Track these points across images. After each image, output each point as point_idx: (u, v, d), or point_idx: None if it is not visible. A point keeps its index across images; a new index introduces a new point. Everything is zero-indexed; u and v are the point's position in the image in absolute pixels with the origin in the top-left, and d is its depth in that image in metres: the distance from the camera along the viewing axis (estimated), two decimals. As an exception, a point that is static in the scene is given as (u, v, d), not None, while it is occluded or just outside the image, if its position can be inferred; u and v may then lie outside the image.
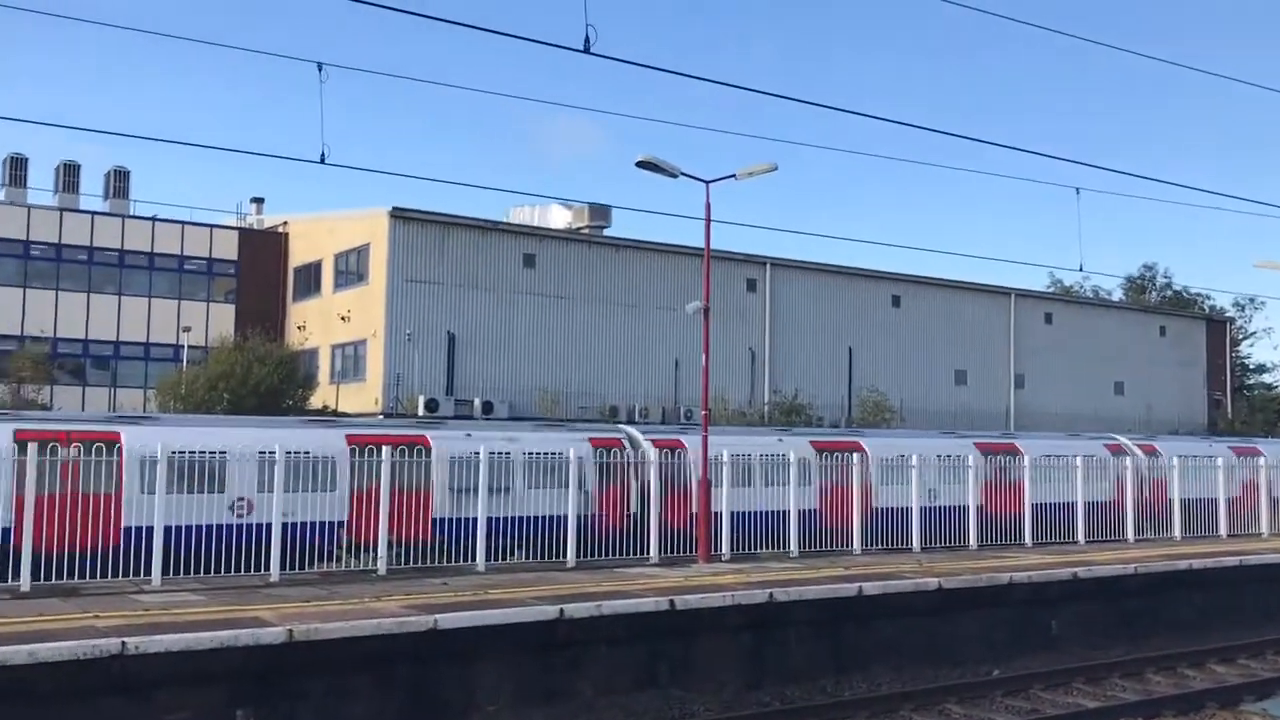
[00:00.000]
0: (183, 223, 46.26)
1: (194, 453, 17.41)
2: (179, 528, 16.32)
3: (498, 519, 18.63)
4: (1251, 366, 67.09)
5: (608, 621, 13.96)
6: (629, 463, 21.36)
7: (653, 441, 22.43)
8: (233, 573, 16.38)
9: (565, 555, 18.76)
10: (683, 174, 20.16)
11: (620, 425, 26.45)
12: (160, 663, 11.05)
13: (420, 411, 34.79)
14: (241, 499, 17.59)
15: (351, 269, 41.39)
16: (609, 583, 16.28)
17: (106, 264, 44.17)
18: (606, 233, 45.12)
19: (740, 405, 40.45)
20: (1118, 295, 67.29)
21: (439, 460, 19.41)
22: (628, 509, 20.78)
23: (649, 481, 20.62)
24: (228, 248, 46.40)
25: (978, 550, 22.21)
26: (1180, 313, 61.32)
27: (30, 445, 15.67)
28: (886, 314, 47.31)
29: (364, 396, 38.16)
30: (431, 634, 12.71)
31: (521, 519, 19.36)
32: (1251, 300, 66.70)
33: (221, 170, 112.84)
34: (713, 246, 21.49)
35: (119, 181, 49.24)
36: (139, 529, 16.04)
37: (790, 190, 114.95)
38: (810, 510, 21.61)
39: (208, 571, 16.43)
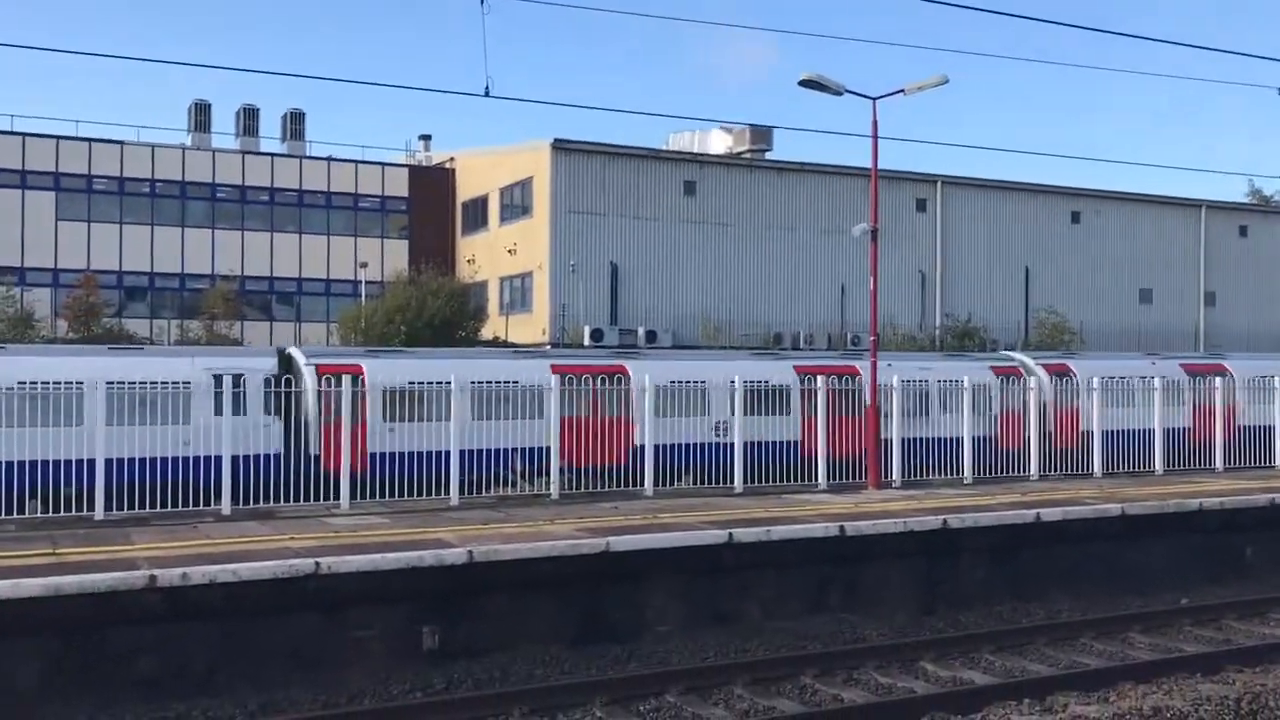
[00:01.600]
0: (356, 162, 47.90)
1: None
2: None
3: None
4: None
5: (776, 546, 13.99)
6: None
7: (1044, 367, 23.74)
8: (413, 497, 17.07)
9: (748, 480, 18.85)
10: (848, 91, 19.58)
11: (1011, 354, 26.89)
12: (350, 582, 11.65)
13: (586, 341, 35.35)
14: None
15: (516, 202, 42.10)
16: (778, 508, 16.29)
17: (287, 204, 46.23)
18: (768, 156, 44.46)
19: (910, 329, 39.59)
20: (1323, 203, 62.57)
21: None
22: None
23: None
24: (399, 185, 47.85)
25: (1164, 475, 21.25)
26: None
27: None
28: (1066, 231, 45.28)
29: (532, 327, 39.01)
30: (604, 556, 12.99)
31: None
32: None
33: (391, 109, 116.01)
34: (880, 166, 20.88)
35: (295, 124, 51.21)
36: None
37: (963, 104, 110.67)
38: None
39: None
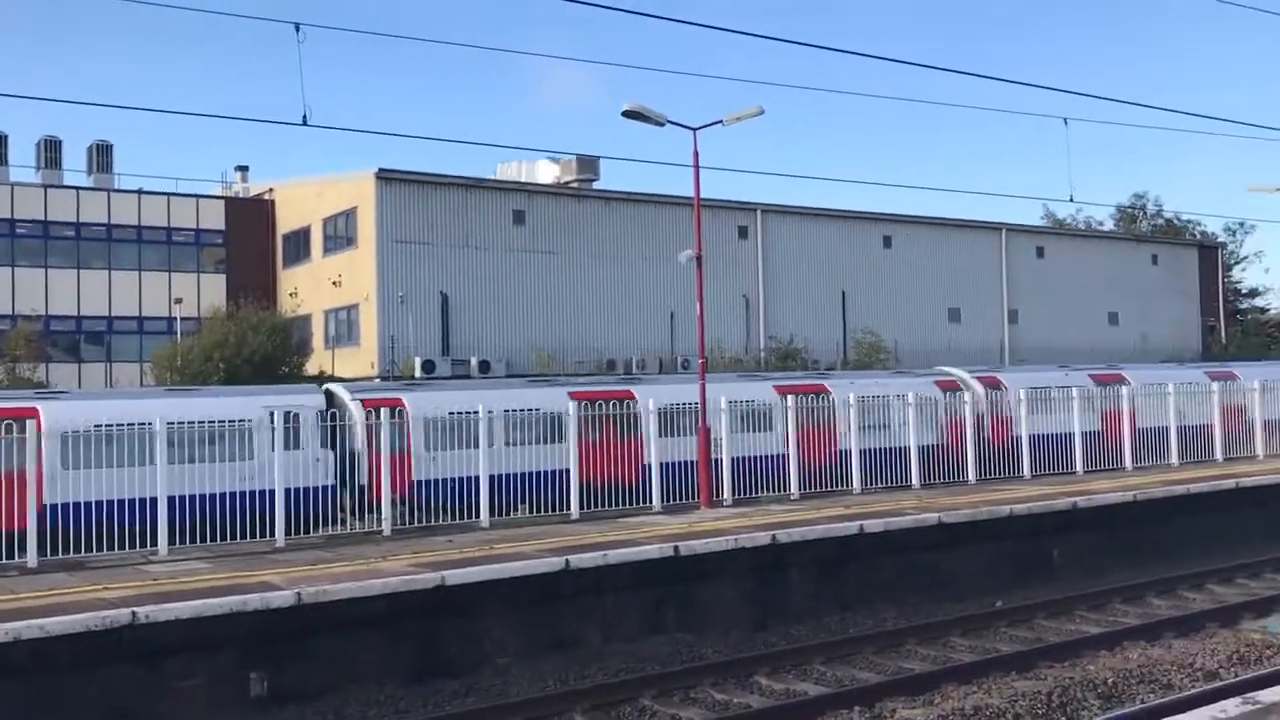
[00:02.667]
0: (168, 194, 46.00)
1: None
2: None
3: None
4: (1244, 291, 67.11)
5: (613, 570, 14.09)
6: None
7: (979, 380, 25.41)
8: (235, 540, 16.47)
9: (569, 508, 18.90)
10: (669, 122, 20.02)
11: (949, 369, 27.97)
12: (171, 630, 11.15)
13: (417, 374, 34.82)
14: None
15: (340, 233, 41.22)
16: (613, 532, 16.40)
17: (94, 239, 43.98)
18: (596, 185, 44.90)
19: (736, 352, 40.50)
20: (1109, 225, 67.17)
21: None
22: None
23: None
24: (215, 217, 46.18)
25: (977, 485, 22.36)
26: (1172, 240, 61.25)
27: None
28: (878, 255, 47.22)
29: (359, 360, 38.18)
30: (439, 590, 12.83)
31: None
32: (1242, 224, 66.63)
33: (204, 140, 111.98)
34: (703, 195, 21.40)
35: (102, 156, 48.86)
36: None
37: (780, 135, 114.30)
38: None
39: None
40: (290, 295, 43.09)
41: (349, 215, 40.20)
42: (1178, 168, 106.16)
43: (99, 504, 16.10)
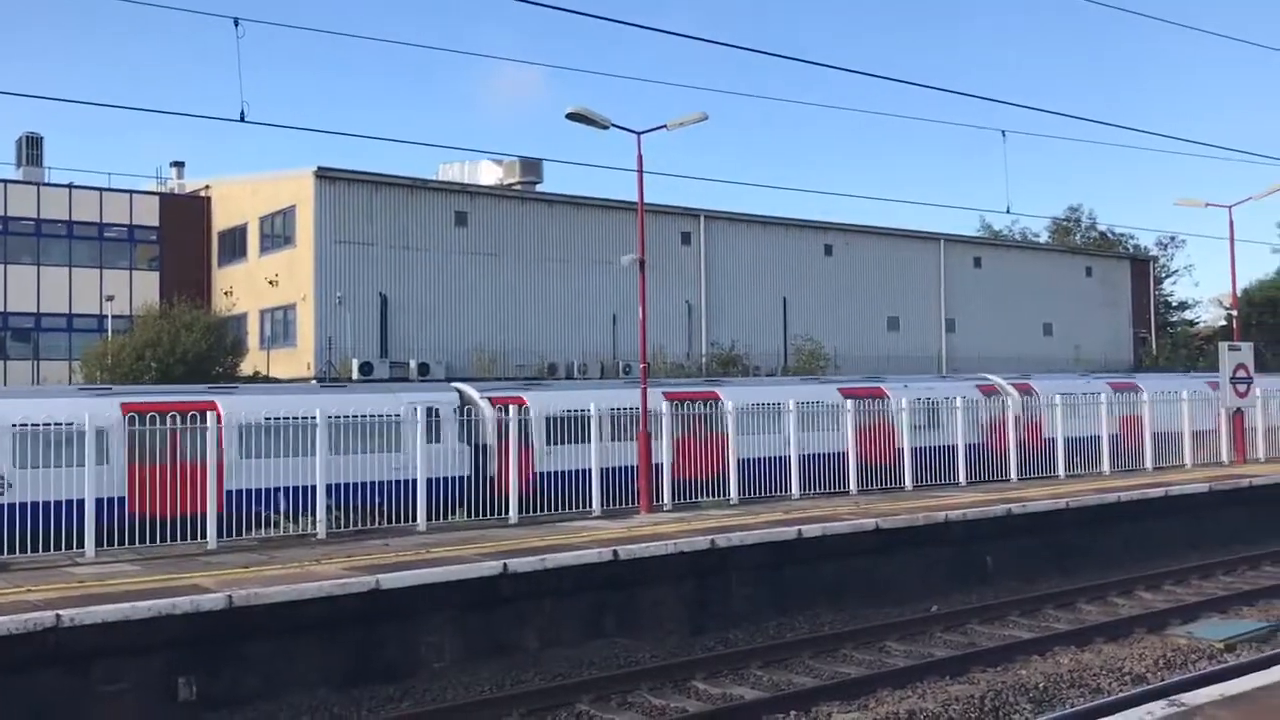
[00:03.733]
0: (101, 189, 45.04)
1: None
2: None
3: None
4: (1174, 304, 68.72)
5: (552, 574, 14.01)
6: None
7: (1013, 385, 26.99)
8: (168, 542, 16.14)
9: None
10: (613, 125, 20.02)
11: (987, 375, 30.21)
12: (97, 634, 10.87)
13: (355, 375, 34.42)
14: None
15: (278, 232, 40.64)
16: (552, 536, 16.32)
17: (22, 233, 42.91)
18: (539, 188, 44.78)
19: (678, 358, 40.60)
20: (1045, 238, 68.43)
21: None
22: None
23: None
24: (149, 214, 45.30)
25: (913, 491, 22.60)
26: (1105, 253, 62.58)
27: None
28: (820, 263, 47.64)
29: (295, 361, 37.66)
30: (374, 594, 12.66)
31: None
32: (1173, 239, 68.30)
33: (139, 135, 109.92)
34: (647, 200, 21.40)
35: (32, 148, 47.74)
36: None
37: (724, 142, 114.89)
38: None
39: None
40: (225, 294, 42.40)
41: (287, 214, 39.66)
42: (1112, 181, 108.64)
43: (268, 491, 17.57)
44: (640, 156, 20.52)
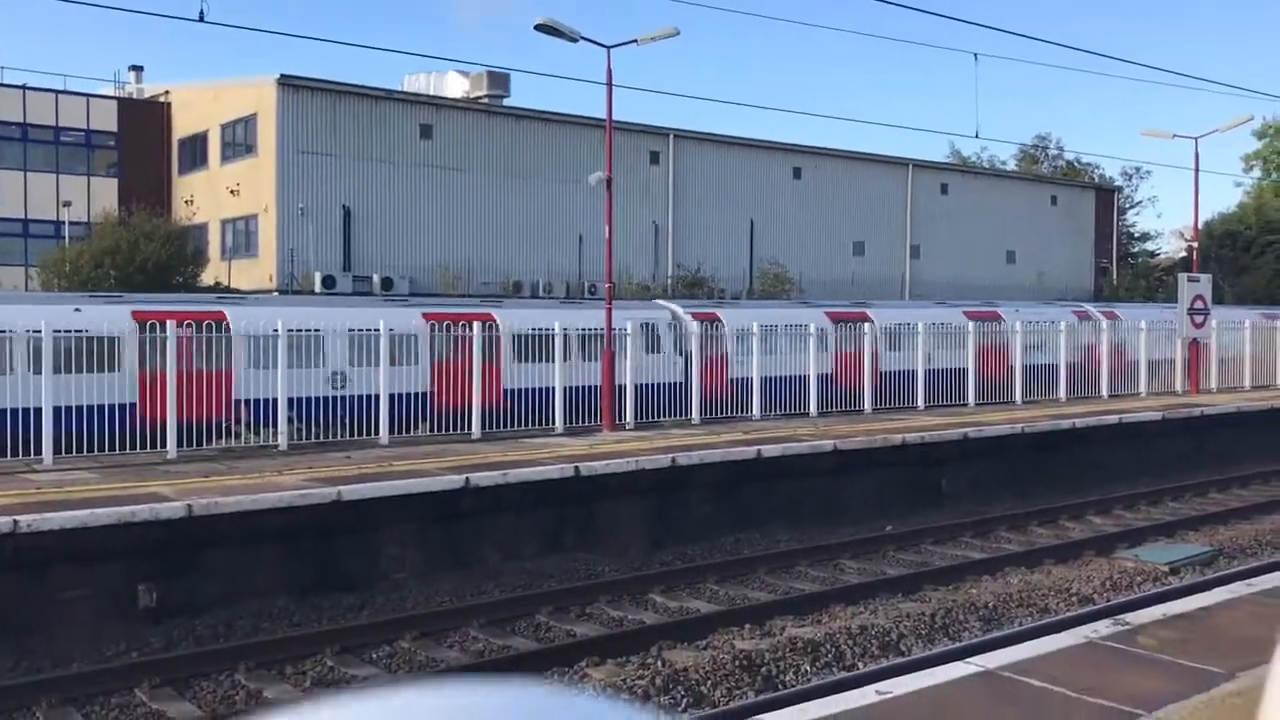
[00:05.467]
0: (56, 92, 43.84)
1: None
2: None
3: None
4: (1137, 235, 69.25)
5: (513, 489, 14.11)
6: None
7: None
8: (126, 451, 16.05)
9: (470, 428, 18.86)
10: (583, 38, 19.68)
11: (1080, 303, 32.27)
12: (55, 540, 10.86)
13: (317, 289, 34.10)
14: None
15: (239, 140, 39.83)
16: (515, 452, 16.40)
17: (-25, 136, 41.79)
18: (506, 102, 44.08)
19: (644, 279, 40.49)
20: (1012, 165, 68.46)
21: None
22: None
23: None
24: (107, 119, 44.19)
25: (873, 414, 22.86)
26: (1071, 182, 62.74)
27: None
28: (788, 186, 47.44)
29: (258, 273, 37.21)
30: (335, 505, 12.70)
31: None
32: (1138, 170, 68.53)
33: (95, 35, 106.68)
34: (616, 118, 21.13)
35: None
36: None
37: (694, 60, 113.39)
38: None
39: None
40: (186, 203, 41.66)
41: (249, 122, 38.84)
42: (1081, 109, 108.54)
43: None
44: (610, 71, 20.22)
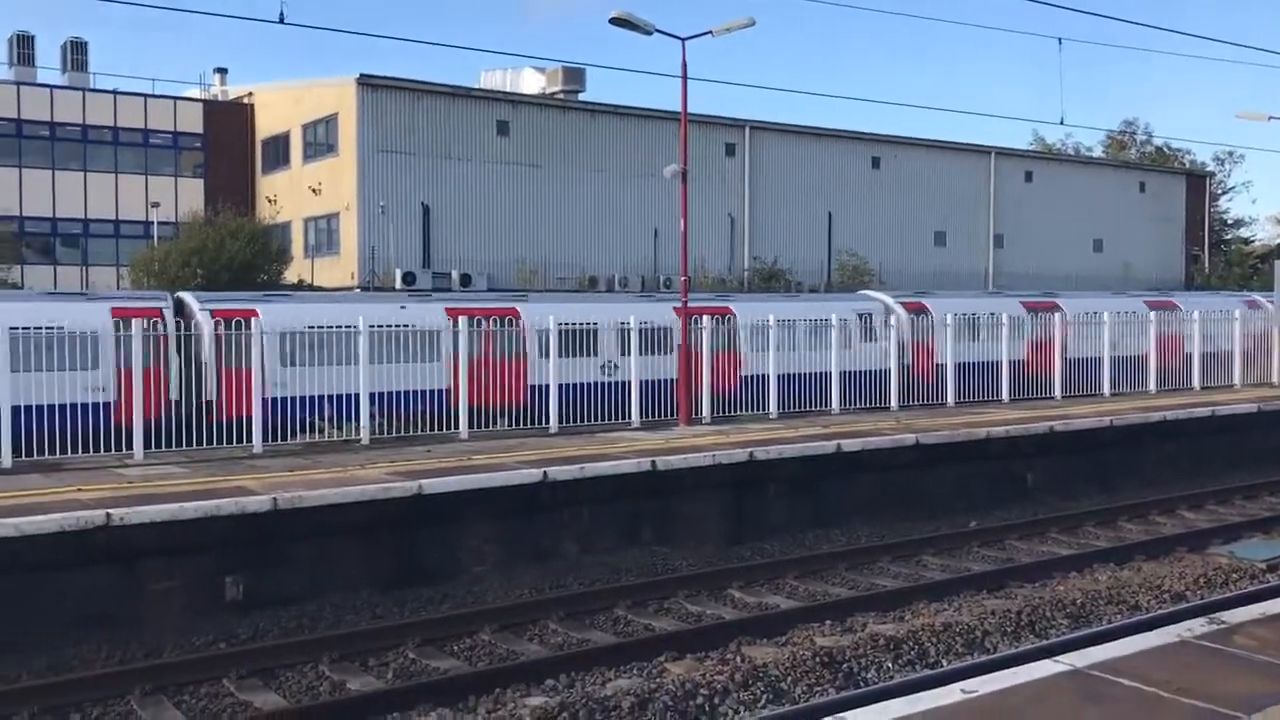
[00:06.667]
0: (145, 95, 45.04)
1: None
2: None
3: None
4: (1229, 221, 67.14)
5: (591, 483, 14.12)
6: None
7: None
8: (214, 445, 16.41)
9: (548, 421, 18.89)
10: (657, 30, 19.60)
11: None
12: (146, 533, 11.13)
13: (398, 285, 34.55)
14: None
15: (320, 140, 40.54)
16: (592, 446, 16.42)
17: (69, 139, 43.12)
18: (581, 97, 44.19)
19: (720, 271, 40.33)
20: (1098, 151, 66.82)
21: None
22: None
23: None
24: (193, 120, 45.31)
25: (955, 407, 22.46)
26: (1160, 168, 61.03)
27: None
28: (866, 176, 46.86)
29: (340, 270, 37.86)
30: (417, 499, 12.83)
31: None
32: (1231, 154, 66.41)
33: (183, 40, 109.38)
34: (691, 110, 21.03)
35: (77, 54, 47.67)
36: None
37: (771, 49, 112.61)
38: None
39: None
40: (269, 201, 42.52)
41: (329, 122, 39.51)
42: (1171, 92, 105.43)
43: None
44: (684, 63, 20.14)
